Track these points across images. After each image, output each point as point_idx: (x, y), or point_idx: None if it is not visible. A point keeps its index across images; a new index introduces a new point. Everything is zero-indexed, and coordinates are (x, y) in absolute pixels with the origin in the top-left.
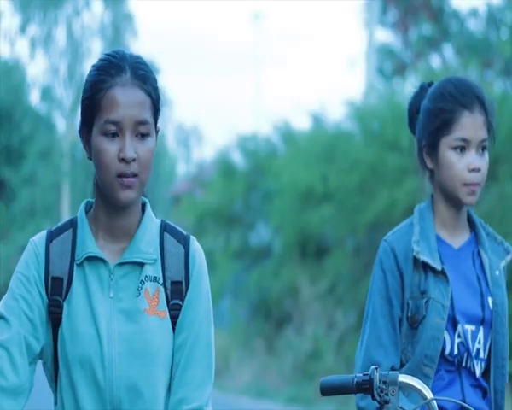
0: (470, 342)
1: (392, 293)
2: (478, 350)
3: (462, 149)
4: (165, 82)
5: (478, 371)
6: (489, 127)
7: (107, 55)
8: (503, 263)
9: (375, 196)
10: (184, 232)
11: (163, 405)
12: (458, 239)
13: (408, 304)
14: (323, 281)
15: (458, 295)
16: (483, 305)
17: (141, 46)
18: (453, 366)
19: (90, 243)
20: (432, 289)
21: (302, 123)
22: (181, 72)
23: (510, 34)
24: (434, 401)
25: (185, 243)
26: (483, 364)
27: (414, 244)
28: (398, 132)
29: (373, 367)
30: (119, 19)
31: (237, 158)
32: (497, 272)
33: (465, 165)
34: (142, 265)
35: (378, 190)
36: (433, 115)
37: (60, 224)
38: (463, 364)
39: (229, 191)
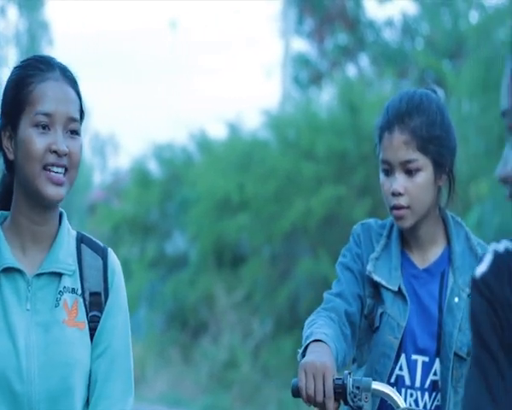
0: (419, 375)
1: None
2: (433, 382)
3: (387, 171)
4: (81, 90)
5: (425, 405)
6: (421, 145)
7: (30, 57)
8: None
9: (291, 204)
10: (101, 244)
11: None
12: (427, 257)
13: (367, 301)
14: (240, 290)
15: (410, 319)
16: (439, 334)
17: (57, 54)
18: None
19: (6, 254)
20: (389, 305)
21: (218, 132)
22: (97, 80)
23: (425, 44)
24: None
25: (103, 255)
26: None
27: (370, 262)
28: (314, 141)
29: (346, 372)
30: (35, 26)
31: (153, 167)
32: (456, 299)
33: (389, 188)
34: (60, 275)
35: (294, 198)
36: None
37: None
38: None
39: (144, 200)
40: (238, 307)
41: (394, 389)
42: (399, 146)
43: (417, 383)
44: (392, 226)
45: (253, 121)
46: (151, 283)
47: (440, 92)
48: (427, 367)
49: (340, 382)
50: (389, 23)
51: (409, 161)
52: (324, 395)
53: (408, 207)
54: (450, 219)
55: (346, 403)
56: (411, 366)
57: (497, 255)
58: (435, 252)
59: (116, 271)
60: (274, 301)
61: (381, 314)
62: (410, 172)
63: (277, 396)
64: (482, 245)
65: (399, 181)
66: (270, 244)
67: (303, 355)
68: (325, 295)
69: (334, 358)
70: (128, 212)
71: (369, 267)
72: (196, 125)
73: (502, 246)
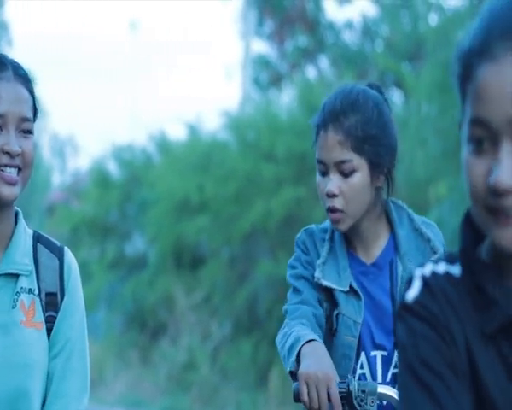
0: (380, 370)
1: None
2: (394, 375)
3: (323, 172)
4: (40, 91)
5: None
6: (355, 145)
7: None
8: None
9: (251, 205)
10: (58, 243)
11: None
12: (373, 251)
13: (324, 304)
14: (199, 291)
15: (365, 315)
16: (394, 326)
17: (16, 54)
18: None
19: None
20: (343, 306)
21: (178, 133)
22: (56, 80)
23: (385, 46)
24: None
25: (60, 255)
26: None
27: (317, 268)
28: (274, 143)
29: (350, 376)
30: None
31: (113, 168)
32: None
33: (321, 189)
34: (17, 276)
35: (253, 199)
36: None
37: None
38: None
39: (104, 201)
40: (197, 308)
41: None
42: (334, 146)
43: (379, 379)
44: (333, 230)
45: (212, 122)
46: (110, 284)
47: (384, 89)
48: (386, 361)
49: (344, 386)
50: (349, 25)
51: (343, 162)
52: (329, 401)
53: (342, 211)
54: (391, 206)
55: (352, 408)
56: (371, 363)
57: (425, 279)
58: (380, 244)
59: (72, 270)
60: (233, 303)
61: (337, 316)
62: (344, 173)
63: (236, 398)
64: (427, 223)
65: (334, 182)
66: (229, 246)
67: (297, 361)
68: (287, 307)
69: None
70: (87, 213)
71: (316, 274)
72: (156, 126)
73: (427, 270)
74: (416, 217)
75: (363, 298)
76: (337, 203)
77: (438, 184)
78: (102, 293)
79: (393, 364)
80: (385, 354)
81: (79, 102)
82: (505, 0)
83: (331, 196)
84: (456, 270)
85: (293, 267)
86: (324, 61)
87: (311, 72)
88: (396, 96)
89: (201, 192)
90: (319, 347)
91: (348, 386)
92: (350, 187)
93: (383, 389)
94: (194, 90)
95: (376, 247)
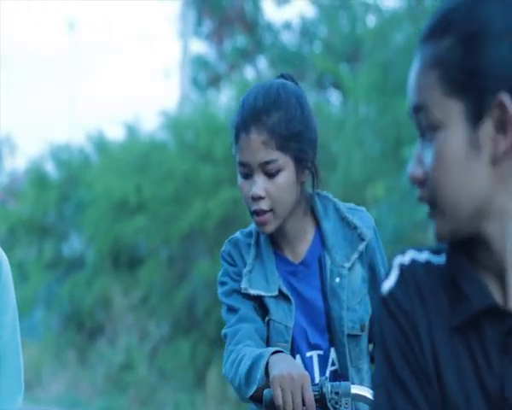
0: (317, 370)
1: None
2: (332, 372)
3: (246, 174)
4: None
5: None
6: (280, 144)
7: None
8: (355, 255)
9: (189, 206)
10: None
11: None
12: (300, 248)
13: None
14: (136, 292)
15: (297, 318)
16: (328, 324)
17: None
18: None
19: None
20: (274, 311)
21: (116, 133)
22: None
23: (323, 47)
24: None
25: None
26: None
27: (244, 278)
28: (212, 143)
29: (323, 378)
30: None
31: (50, 168)
32: (338, 279)
33: (249, 191)
34: None
35: (192, 200)
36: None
37: None
38: None
39: (41, 201)
40: (135, 309)
41: None
42: (258, 147)
43: (316, 379)
44: (258, 232)
45: (151, 123)
46: (48, 284)
47: (298, 82)
48: (323, 360)
49: (317, 389)
50: (287, 26)
51: (268, 162)
52: (304, 405)
53: (270, 211)
54: (316, 199)
55: None
56: (308, 364)
57: (403, 268)
58: (307, 241)
59: (3, 269)
60: (171, 303)
61: (268, 322)
62: (270, 174)
63: (174, 398)
64: (353, 209)
65: (259, 184)
66: (167, 246)
67: (266, 375)
68: (226, 331)
69: None
70: (24, 213)
71: (243, 285)
72: (94, 126)
73: (407, 257)
74: (342, 205)
75: (293, 301)
76: (264, 205)
77: (375, 184)
78: (40, 293)
79: (330, 361)
80: (321, 352)
81: (17, 102)
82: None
83: (257, 198)
84: (440, 259)
85: (222, 284)
86: (263, 62)
87: (249, 72)
88: (334, 97)
89: (139, 192)
90: (286, 355)
91: (321, 388)
92: (276, 187)
93: (357, 390)
94: (133, 90)
95: (303, 244)
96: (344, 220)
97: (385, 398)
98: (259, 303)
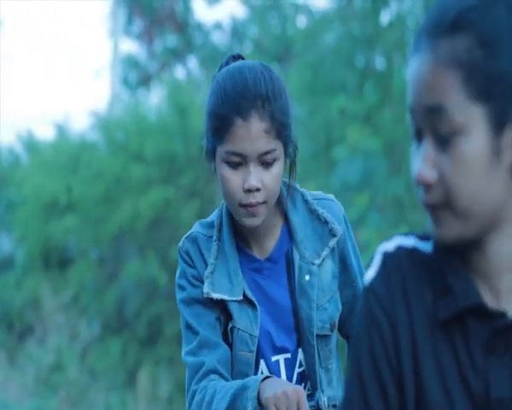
0: (283, 374)
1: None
2: (300, 374)
3: (236, 164)
4: None
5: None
6: (278, 132)
7: None
8: (325, 251)
9: (120, 206)
10: None
11: None
12: (265, 246)
13: (221, 319)
14: (67, 292)
15: (262, 323)
16: (296, 325)
17: None
18: None
19: None
20: (237, 318)
21: (46, 133)
22: None
23: (254, 47)
24: None
25: None
26: None
27: (206, 281)
28: (143, 143)
29: (319, 390)
30: None
31: None
32: (307, 277)
33: (240, 183)
34: None
35: (122, 200)
36: (208, 117)
37: None
38: None
39: None
40: (65, 309)
41: None
42: (259, 135)
43: None
44: (221, 224)
45: (81, 123)
46: None
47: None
48: (290, 363)
49: (313, 403)
50: (218, 26)
51: (268, 152)
52: None
53: (264, 203)
54: (283, 191)
55: None
56: (273, 368)
57: (386, 256)
58: (275, 235)
59: None
60: (101, 304)
61: (231, 329)
62: (266, 164)
63: (105, 398)
64: (321, 200)
65: (256, 175)
66: (97, 246)
67: (259, 402)
68: (186, 360)
69: None
70: None
71: (205, 289)
72: (24, 126)
73: (392, 244)
74: (310, 196)
75: (258, 308)
76: (259, 197)
77: (306, 185)
78: None
79: (298, 363)
80: (288, 356)
81: None
82: None
83: (253, 190)
84: (427, 246)
85: (181, 288)
86: (193, 62)
87: (180, 72)
88: None
89: (70, 193)
90: (274, 377)
91: (317, 402)
92: (272, 178)
93: None
94: (63, 89)
95: (271, 239)
96: (313, 213)
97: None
98: (222, 307)
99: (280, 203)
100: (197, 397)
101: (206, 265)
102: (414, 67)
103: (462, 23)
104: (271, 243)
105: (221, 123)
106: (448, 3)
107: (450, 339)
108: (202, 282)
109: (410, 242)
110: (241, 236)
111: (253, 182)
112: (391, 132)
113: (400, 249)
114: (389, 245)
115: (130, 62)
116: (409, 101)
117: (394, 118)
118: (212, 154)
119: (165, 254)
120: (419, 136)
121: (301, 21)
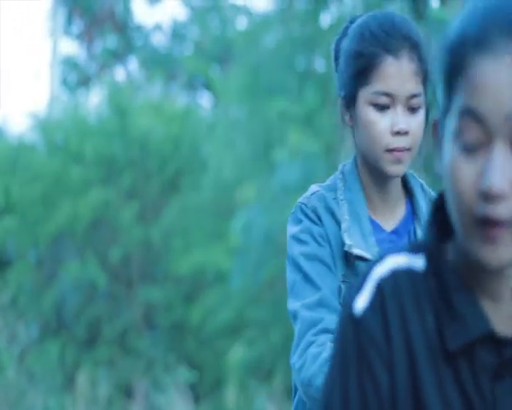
0: None
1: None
2: None
3: (384, 106)
4: None
5: None
6: (424, 79)
7: None
8: None
9: (59, 207)
10: None
11: None
12: (392, 217)
13: (340, 288)
14: (5, 294)
15: None
16: None
17: None
18: None
19: None
20: None
21: None
22: None
23: (194, 49)
24: None
25: None
26: None
27: (344, 234)
28: (82, 144)
29: None
30: None
31: None
32: None
33: (388, 126)
34: None
35: (61, 201)
36: (350, 60)
37: None
38: None
39: None
40: (3, 311)
41: None
42: (409, 76)
43: None
44: (344, 188)
45: (20, 124)
46: None
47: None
48: None
49: None
50: (158, 27)
51: (415, 96)
52: None
53: (409, 149)
54: (406, 173)
55: None
56: None
57: (381, 284)
58: (400, 209)
59: None
60: (40, 305)
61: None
62: (412, 109)
63: (43, 401)
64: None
65: (404, 118)
66: (36, 248)
67: None
68: (303, 313)
69: None
70: None
71: (348, 241)
72: None
73: (385, 267)
74: (428, 189)
75: None
76: (406, 143)
77: (246, 186)
78: None
79: None
80: None
81: None
82: None
83: (403, 134)
84: (419, 263)
85: (302, 242)
86: (133, 63)
87: (119, 73)
88: (205, 99)
89: (8, 194)
90: None
91: None
92: (417, 124)
93: None
94: (2, 90)
95: (398, 212)
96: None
97: None
98: (350, 271)
99: (404, 176)
100: (313, 350)
101: (337, 224)
102: (494, 71)
103: None
104: (398, 215)
105: (369, 62)
106: None
107: (456, 367)
108: (328, 242)
109: (403, 261)
110: (370, 203)
111: (403, 125)
112: (330, 135)
113: (395, 273)
114: (383, 270)
115: (70, 63)
116: (477, 104)
117: (333, 120)
118: (351, 100)
119: (104, 256)
120: (472, 143)
121: (241, 23)
